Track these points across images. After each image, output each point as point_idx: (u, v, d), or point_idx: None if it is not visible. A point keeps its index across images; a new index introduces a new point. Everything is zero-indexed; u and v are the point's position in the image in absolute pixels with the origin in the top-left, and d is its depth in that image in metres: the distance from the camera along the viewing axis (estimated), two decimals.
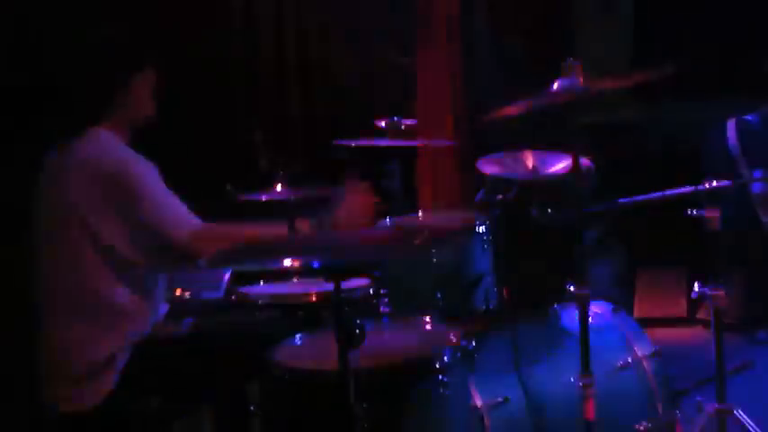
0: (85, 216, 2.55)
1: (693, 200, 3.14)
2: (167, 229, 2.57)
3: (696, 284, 3.13)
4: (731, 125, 5.18)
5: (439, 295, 3.11)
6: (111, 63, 2.73)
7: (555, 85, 2.57)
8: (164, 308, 2.84)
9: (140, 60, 2.77)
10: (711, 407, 3.11)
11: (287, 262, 2.41)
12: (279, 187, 3.60)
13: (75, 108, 2.74)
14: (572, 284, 2.62)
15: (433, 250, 2.99)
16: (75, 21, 2.90)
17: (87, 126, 2.69)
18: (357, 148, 3.21)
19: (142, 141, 2.87)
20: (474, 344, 2.36)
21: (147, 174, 2.62)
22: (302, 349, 2.44)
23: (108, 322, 2.58)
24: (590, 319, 2.68)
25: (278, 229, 2.71)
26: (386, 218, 3.00)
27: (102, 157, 2.61)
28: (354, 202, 2.78)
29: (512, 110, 2.61)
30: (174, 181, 2.89)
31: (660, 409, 2.99)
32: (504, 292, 2.90)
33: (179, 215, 2.61)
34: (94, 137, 2.68)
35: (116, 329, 2.58)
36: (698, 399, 3.23)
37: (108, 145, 2.66)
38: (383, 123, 3.31)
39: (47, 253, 2.65)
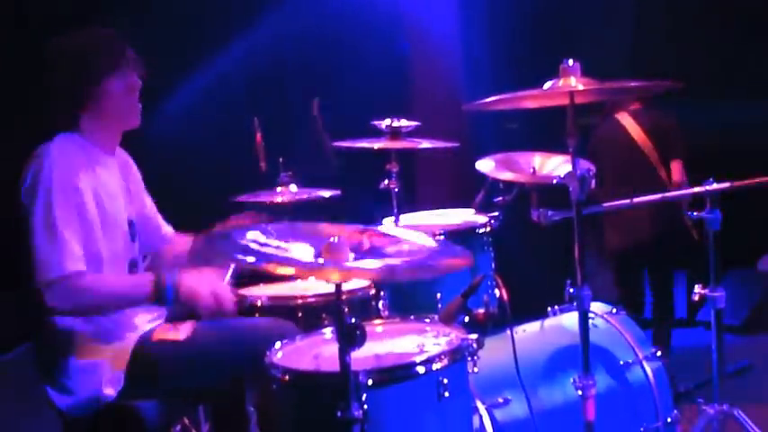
0: None
1: (694, 201, 3.15)
2: (38, 265, 2.49)
3: (697, 286, 3.13)
4: (625, 115, 4.77)
5: (439, 296, 3.12)
6: (80, 64, 2.65)
7: (554, 86, 2.57)
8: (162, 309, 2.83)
9: (112, 64, 2.68)
10: (711, 408, 3.12)
11: None
12: (279, 188, 3.62)
13: (48, 111, 2.68)
14: (572, 285, 2.61)
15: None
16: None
17: (62, 129, 2.65)
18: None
19: (142, 143, 2.88)
20: (474, 344, 2.36)
21: (52, 194, 2.52)
22: (301, 350, 2.44)
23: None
24: (590, 319, 2.69)
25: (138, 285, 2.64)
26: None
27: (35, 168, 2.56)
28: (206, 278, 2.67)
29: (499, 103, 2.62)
30: (175, 182, 2.90)
31: (660, 410, 2.98)
32: (504, 292, 2.89)
33: (54, 254, 2.49)
34: (54, 144, 2.61)
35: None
36: (698, 400, 3.23)
37: (49, 156, 2.58)
38: (383, 124, 3.30)
39: None
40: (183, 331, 2.66)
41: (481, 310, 2.84)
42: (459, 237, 3.21)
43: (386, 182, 3.33)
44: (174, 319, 2.81)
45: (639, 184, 3.93)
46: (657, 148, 4.69)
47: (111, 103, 2.69)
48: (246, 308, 3.21)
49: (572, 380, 2.60)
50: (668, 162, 4.73)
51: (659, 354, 3.07)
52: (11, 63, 4.67)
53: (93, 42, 2.70)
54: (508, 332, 2.74)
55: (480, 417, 2.58)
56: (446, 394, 2.20)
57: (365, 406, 2.05)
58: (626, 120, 4.76)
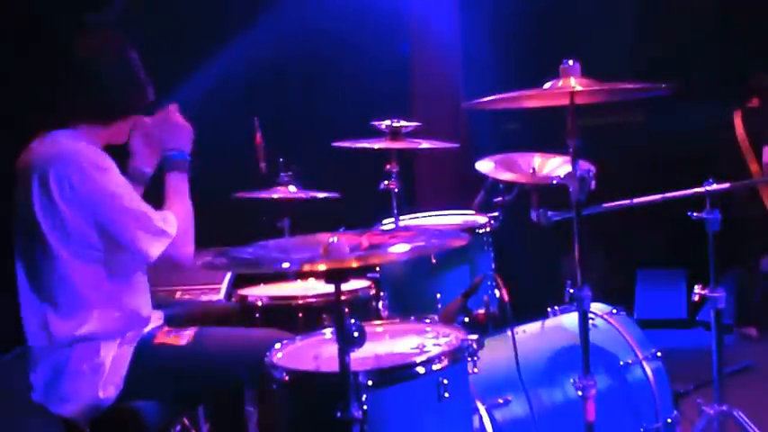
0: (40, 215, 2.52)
1: (694, 201, 3.15)
2: (138, 242, 2.54)
3: (697, 286, 3.13)
4: (736, 114, 5.64)
5: (439, 296, 3.11)
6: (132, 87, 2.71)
7: (554, 86, 2.57)
8: (159, 313, 2.82)
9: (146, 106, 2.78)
10: (711, 408, 3.11)
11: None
12: (279, 188, 3.62)
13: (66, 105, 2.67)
14: (572, 285, 2.61)
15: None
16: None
17: (61, 124, 2.65)
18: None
19: None
20: (474, 345, 2.35)
21: (109, 173, 2.55)
22: (301, 351, 2.44)
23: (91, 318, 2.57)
24: (590, 319, 2.68)
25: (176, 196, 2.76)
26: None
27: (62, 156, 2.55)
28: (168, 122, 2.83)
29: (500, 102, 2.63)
30: None
31: (660, 411, 2.98)
32: (504, 292, 2.89)
33: (150, 227, 2.56)
34: (63, 136, 2.62)
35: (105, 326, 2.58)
36: (698, 400, 3.23)
37: (72, 145, 2.58)
38: (383, 124, 3.30)
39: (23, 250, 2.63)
40: (184, 337, 2.65)
41: (481, 311, 2.84)
42: None
43: (386, 182, 3.33)
44: (174, 323, 2.80)
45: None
46: (749, 139, 5.59)
47: (123, 128, 2.77)
48: (247, 308, 3.21)
49: (572, 380, 2.60)
50: (759, 150, 5.60)
51: (659, 354, 3.07)
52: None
53: (142, 82, 2.73)
54: (508, 332, 2.74)
55: (480, 417, 2.58)
56: (446, 395, 2.20)
57: (365, 406, 2.05)
58: (738, 115, 5.70)
